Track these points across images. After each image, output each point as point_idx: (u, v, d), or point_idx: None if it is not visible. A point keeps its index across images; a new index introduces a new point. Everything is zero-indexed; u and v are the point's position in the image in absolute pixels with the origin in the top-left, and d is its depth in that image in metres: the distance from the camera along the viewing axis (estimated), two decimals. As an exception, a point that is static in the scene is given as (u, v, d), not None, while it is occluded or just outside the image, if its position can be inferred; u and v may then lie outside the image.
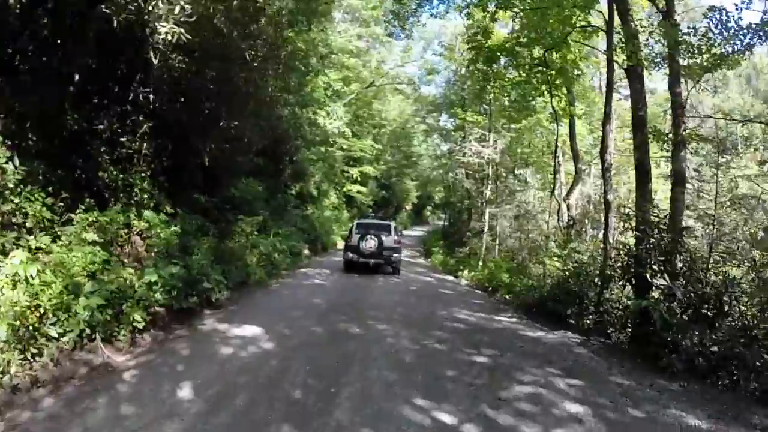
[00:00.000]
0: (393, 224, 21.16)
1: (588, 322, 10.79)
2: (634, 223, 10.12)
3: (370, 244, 18.38)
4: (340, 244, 33.65)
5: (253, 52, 14.58)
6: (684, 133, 10.09)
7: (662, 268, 9.02)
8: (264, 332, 8.43)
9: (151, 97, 13.12)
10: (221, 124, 14.99)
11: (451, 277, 20.09)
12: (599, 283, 10.95)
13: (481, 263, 21.77)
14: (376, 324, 10.03)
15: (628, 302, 9.75)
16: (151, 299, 8.03)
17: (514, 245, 21.36)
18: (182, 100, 14.39)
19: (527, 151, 25.29)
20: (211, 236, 13.63)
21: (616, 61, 12.15)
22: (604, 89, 15.00)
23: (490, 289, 16.15)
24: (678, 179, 9.97)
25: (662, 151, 12.44)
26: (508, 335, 9.88)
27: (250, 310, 10.48)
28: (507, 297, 14.66)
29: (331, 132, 34.76)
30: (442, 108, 38.19)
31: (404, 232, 51.40)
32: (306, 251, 25.65)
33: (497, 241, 24.56)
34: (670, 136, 10.35)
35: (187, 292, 9.31)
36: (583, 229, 18.49)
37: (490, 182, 25.21)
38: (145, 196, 11.61)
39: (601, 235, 14.33)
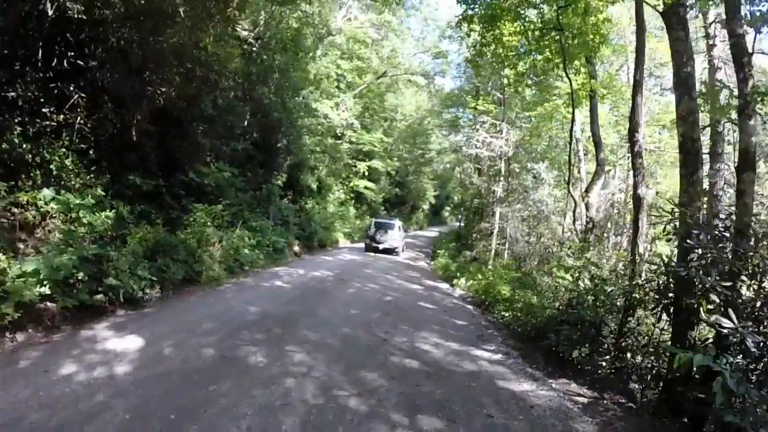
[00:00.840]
0: (398, 224, 28.72)
1: (603, 365, 7.34)
2: (677, 226, 6.60)
3: (380, 235, 26.40)
4: (343, 242, 30.66)
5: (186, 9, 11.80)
6: (753, 91, 6.56)
7: (724, 297, 5.55)
8: (139, 349, 6.68)
9: (80, 62, 10.81)
10: (148, 92, 11.93)
11: (445, 286, 16.77)
12: (622, 310, 7.47)
13: (490, 269, 18.46)
14: (294, 353, 7.12)
15: (666, 345, 6.27)
16: (27, 292, 6.78)
17: (523, 250, 17.83)
18: (108, 65, 11.56)
19: (544, 144, 21.66)
20: (159, 225, 11.80)
21: (649, 3, 8.59)
22: (632, 52, 11.43)
23: (487, 303, 12.75)
24: (746, 161, 6.46)
25: (718, 122, 8.91)
26: (478, 389, 6.48)
27: (162, 316, 8.75)
28: (505, 315, 11.24)
29: (340, 123, 31.81)
30: (456, 102, 34.60)
31: (419, 233, 49.04)
32: (296, 248, 22.68)
33: (507, 245, 21.11)
34: (735, 95, 6.79)
35: (91, 287, 8.09)
36: (605, 235, 14.84)
37: (501, 178, 21.69)
38: (69, 174, 10.30)
39: (626, 243, 10.75)
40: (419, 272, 19.44)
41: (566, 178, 15.48)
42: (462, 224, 44.96)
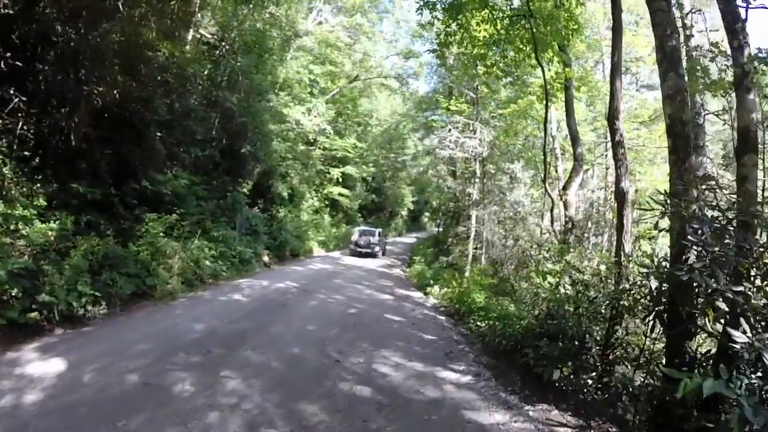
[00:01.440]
0: (378, 230, 31.65)
1: (589, 384, 6.28)
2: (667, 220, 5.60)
3: (363, 240, 28.92)
4: (318, 251, 29.42)
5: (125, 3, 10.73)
6: (751, 59, 5.62)
7: (731, 303, 4.53)
8: (59, 374, 5.91)
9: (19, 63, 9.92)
10: (85, 92, 10.73)
11: (418, 295, 15.66)
12: (608, 318, 6.44)
13: (465, 276, 17.46)
14: (228, 379, 6.16)
15: (664, 367, 5.21)
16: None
17: (501, 254, 16.81)
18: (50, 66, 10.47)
19: (519, 144, 20.71)
20: (109, 236, 10.99)
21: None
22: (607, 46, 10.53)
23: (461, 313, 11.64)
24: (747, 142, 5.48)
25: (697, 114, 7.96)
26: (439, 423, 5.37)
27: (100, 335, 7.96)
28: (480, 326, 10.14)
29: (312, 129, 30.66)
30: (430, 106, 33.49)
31: (398, 239, 48.22)
32: (265, 258, 21.43)
33: (484, 249, 20.10)
34: (730, 68, 5.83)
35: (25, 304, 7.57)
36: (585, 235, 13.86)
37: (477, 180, 20.69)
38: (8, 183, 9.52)
39: (608, 243, 9.76)
40: (393, 281, 18.32)
41: (543, 176, 14.51)
42: (440, 229, 44.08)
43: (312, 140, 31.69)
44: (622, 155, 8.04)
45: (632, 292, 6.10)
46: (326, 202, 34.18)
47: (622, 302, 6.23)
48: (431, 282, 15.99)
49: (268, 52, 21.09)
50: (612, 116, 8.35)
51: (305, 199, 30.45)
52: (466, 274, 17.84)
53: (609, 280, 6.87)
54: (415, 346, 8.67)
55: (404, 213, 59.16)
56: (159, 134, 16.42)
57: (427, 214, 65.72)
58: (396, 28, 32.52)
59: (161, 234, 13.49)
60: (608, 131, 8.52)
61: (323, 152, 32.49)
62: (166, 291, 11.89)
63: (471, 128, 20.28)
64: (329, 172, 33.20)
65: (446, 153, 20.36)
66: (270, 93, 24.62)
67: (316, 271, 19.39)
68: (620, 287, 6.39)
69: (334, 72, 33.85)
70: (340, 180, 33.77)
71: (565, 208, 12.19)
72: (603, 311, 6.68)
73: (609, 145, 9.74)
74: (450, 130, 19.31)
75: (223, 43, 20.25)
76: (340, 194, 33.92)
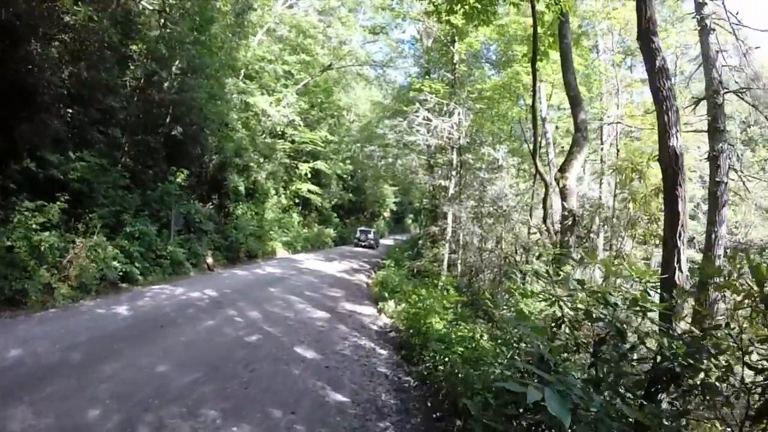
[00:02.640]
0: (373, 230, 40.27)
1: None
2: None
3: (363, 236, 37.15)
4: (282, 253, 25.76)
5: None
6: None
7: None
8: None
9: None
10: None
11: (370, 310, 12.06)
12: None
13: (440, 285, 14.01)
14: None
15: None
16: None
17: (477, 260, 13.22)
18: None
19: (501, 127, 17.19)
20: None
21: None
22: None
23: (414, 345, 7.95)
24: None
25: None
26: None
27: None
28: (437, 370, 6.52)
29: (279, 121, 27.04)
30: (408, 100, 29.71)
31: (379, 241, 44.32)
32: (209, 260, 17.81)
33: (460, 253, 16.58)
34: None
35: None
36: (591, 235, 10.21)
37: (453, 173, 17.13)
38: None
39: (630, 250, 6.32)
40: (347, 290, 14.62)
41: (531, 149, 10.88)
42: (420, 231, 40.59)
43: (280, 132, 28.07)
44: (668, 91, 4.48)
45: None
46: (296, 200, 30.49)
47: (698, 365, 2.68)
48: (385, 295, 12.32)
49: (208, 22, 17.36)
50: (646, 32, 4.82)
51: (270, 195, 26.76)
52: (439, 284, 14.40)
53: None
54: (300, 420, 5.03)
55: (386, 214, 55.71)
56: (69, 110, 13.38)
57: (411, 215, 62.23)
58: (374, 12, 28.61)
59: (37, 227, 10.29)
60: (642, 54, 4.92)
61: (292, 145, 28.83)
62: (41, 298, 9.55)
63: (446, 110, 16.74)
64: (297, 167, 29.50)
65: (416, 139, 16.75)
66: (224, 75, 21.00)
67: (259, 277, 15.75)
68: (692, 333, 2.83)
69: (306, 61, 30.26)
70: (309, 176, 30.05)
71: (563, 197, 8.68)
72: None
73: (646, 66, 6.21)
74: (418, 110, 15.72)
75: (162, 13, 16.58)
76: (310, 191, 30.21)
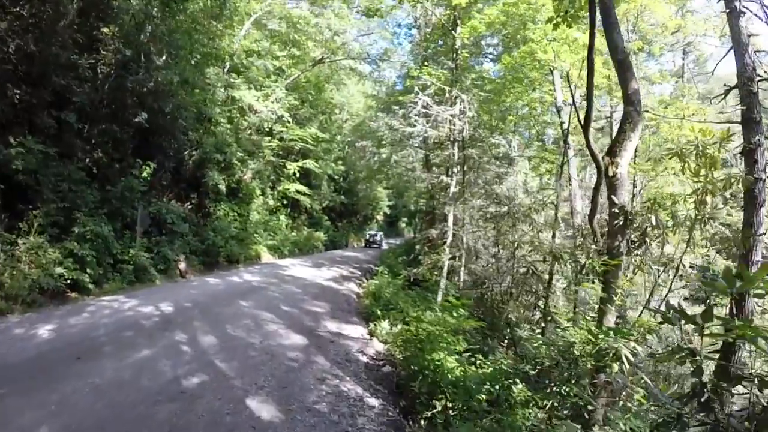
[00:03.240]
0: (380, 233, 47.40)
1: None
2: None
3: (371, 237, 44.43)
4: (268, 258, 23.52)
5: None
6: None
7: None
8: None
9: None
10: None
11: (360, 331, 9.69)
12: None
13: (439, 299, 11.96)
14: None
15: None
16: None
17: (485, 271, 11.03)
18: None
19: (512, 119, 15.04)
20: None
21: None
22: None
23: (418, 392, 5.70)
24: None
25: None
26: None
27: None
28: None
29: (268, 117, 24.86)
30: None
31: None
32: (181, 265, 15.70)
33: (463, 260, 14.51)
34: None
35: None
36: (646, 240, 7.97)
37: (455, 170, 15.00)
38: None
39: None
40: (334, 303, 12.31)
41: (570, 124, 8.74)
42: (415, 235, 38.42)
43: (268, 129, 25.85)
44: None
45: None
46: (284, 202, 28.22)
47: None
48: (381, 312, 10.06)
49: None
50: None
51: (255, 196, 24.52)
52: (439, 296, 12.29)
53: None
54: None
55: (380, 218, 53.49)
56: (18, 91, 11.51)
57: (405, 219, 60.02)
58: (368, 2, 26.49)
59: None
60: None
61: (280, 143, 26.60)
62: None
63: (448, 98, 14.65)
64: (285, 166, 27.25)
65: (414, 130, 14.59)
66: (204, 62, 18.83)
67: (232, 286, 13.51)
68: None
69: (296, 54, 28.11)
70: (298, 176, 27.79)
71: (611, 189, 6.54)
72: None
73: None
74: (417, 95, 13.54)
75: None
76: (299, 192, 27.93)
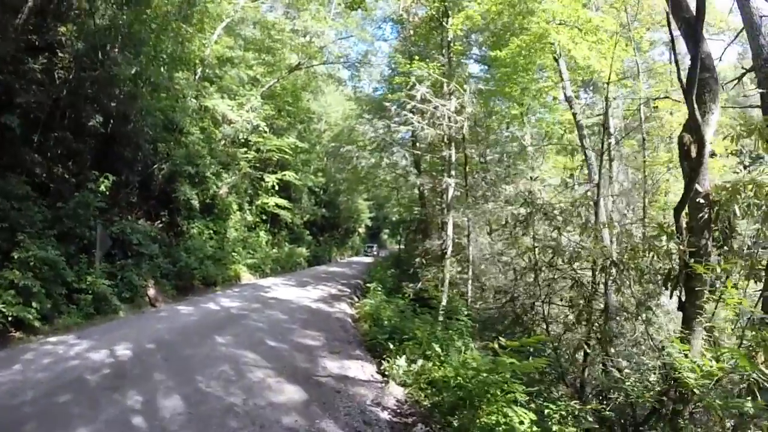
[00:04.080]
0: (376, 244, 55.08)
1: None
2: None
3: (368, 249, 51.87)
4: (248, 277, 21.39)
5: None
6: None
7: None
8: None
9: None
10: None
11: (369, 371, 7.64)
12: None
13: (440, 311, 10.24)
14: None
15: None
16: None
17: (509, 285, 9.16)
18: None
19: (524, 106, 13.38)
20: None
21: None
22: None
23: None
24: None
25: None
26: None
27: None
28: None
29: (243, 127, 22.81)
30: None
31: (354, 259, 42.38)
32: (150, 291, 13.67)
33: (470, 273, 12.81)
34: None
35: None
36: (733, 236, 6.23)
37: (453, 172, 13.28)
38: None
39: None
40: (330, 330, 10.26)
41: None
42: (402, 246, 36.55)
43: (243, 140, 23.79)
44: None
45: None
46: (263, 217, 26.09)
47: None
48: (392, 344, 8.03)
49: None
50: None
51: (232, 211, 22.41)
52: (441, 309, 10.55)
53: None
54: None
55: (362, 230, 51.64)
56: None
57: (387, 230, 58.34)
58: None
59: None
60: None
61: (257, 155, 24.55)
62: None
63: (446, 92, 12.96)
64: (263, 179, 25.17)
65: (408, 129, 12.84)
66: (171, 64, 16.78)
67: (208, 316, 11.40)
68: None
69: (271, 62, 26.18)
70: (277, 188, 25.70)
71: (693, 174, 4.87)
72: None
73: None
74: (414, 86, 11.75)
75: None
76: (278, 206, 25.83)
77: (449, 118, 12.39)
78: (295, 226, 30.38)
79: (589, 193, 8.03)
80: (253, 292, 15.99)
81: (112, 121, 13.09)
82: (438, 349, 7.06)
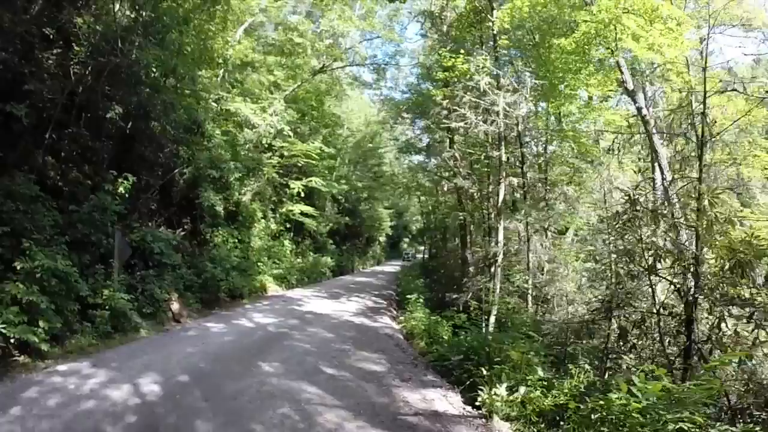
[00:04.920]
0: (412, 251, 56.63)
1: None
2: None
3: (406, 255, 53.86)
4: (274, 289, 19.93)
5: None
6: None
7: None
8: None
9: None
10: None
11: (456, 400, 6.14)
12: None
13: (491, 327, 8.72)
14: None
15: None
16: None
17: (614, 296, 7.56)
18: None
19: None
20: None
21: None
22: None
23: None
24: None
25: None
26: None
27: None
28: None
29: (266, 132, 21.48)
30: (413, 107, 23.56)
31: (378, 268, 41.64)
32: (174, 306, 12.30)
33: (530, 282, 11.23)
34: None
35: None
36: None
37: (505, 168, 11.64)
38: None
39: None
40: (386, 349, 8.58)
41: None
42: (427, 256, 34.99)
43: (267, 144, 22.44)
44: None
45: None
46: (287, 225, 24.64)
47: None
48: (489, 382, 6.20)
49: None
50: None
51: (257, 219, 21.02)
52: (491, 325, 9.01)
53: None
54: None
55: (382, 239, 50.09)
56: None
57: (407, 240, 57.03)
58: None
59: None
60: None
61: (281, 160, 23.16)
62: None
63: (502, 85, 11.39)
64: (288, 185, 23.73)
65: (464, 124, 11.31)
66: (194, 62, 15.47)
67: (243, 336, 9.88)
68: None
69: (295, 65, 24.86)
70: (302, 195, 24.23)
71: None
72: None
73: None
74: (472, 78, 10.26)
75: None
76: (303, 213, 24.34)
77: (505, 114, 10.84)
78: (319, 234, 28.91)
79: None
80: (285, 306, 14.47)
81: (132, 117, 11.69)
82: (540, 373, 5.53)
